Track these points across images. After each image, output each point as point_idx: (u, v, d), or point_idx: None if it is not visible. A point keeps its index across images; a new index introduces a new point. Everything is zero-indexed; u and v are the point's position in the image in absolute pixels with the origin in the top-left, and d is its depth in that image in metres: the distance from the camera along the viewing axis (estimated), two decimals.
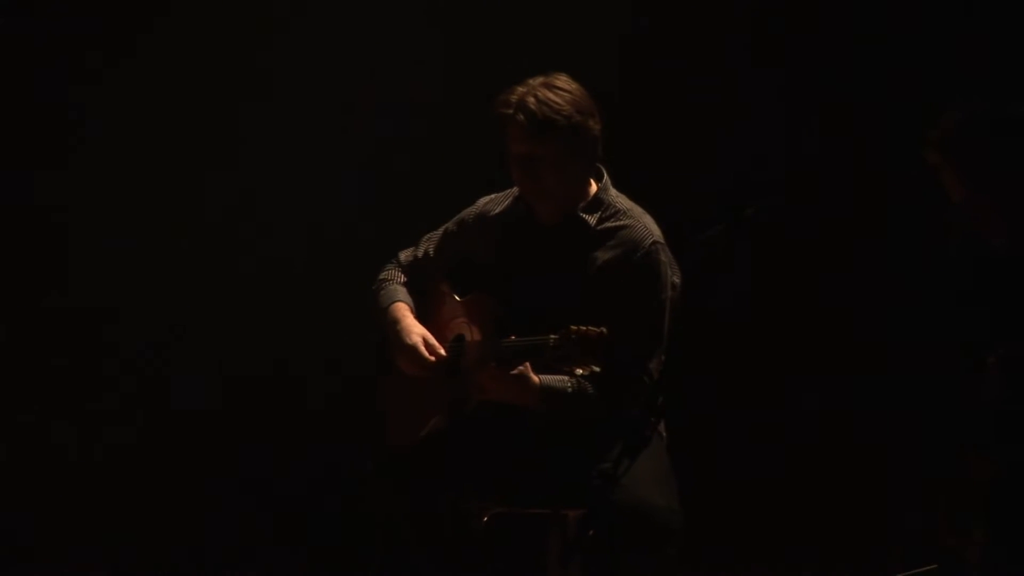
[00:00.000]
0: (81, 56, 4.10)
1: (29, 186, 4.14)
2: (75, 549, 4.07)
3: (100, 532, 4.11)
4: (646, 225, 2.90)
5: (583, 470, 2.73)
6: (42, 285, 4.17)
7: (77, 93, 4.11)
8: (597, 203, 2.91)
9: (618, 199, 2.94)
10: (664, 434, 2.92)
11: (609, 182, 2.96)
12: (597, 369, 2.62)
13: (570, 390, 2.76)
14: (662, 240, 2.89)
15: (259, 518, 4.15)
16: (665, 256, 2.87)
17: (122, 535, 4.10)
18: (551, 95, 2.81)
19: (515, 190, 2.98)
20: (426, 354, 2.89)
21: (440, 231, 3.09)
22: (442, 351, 2.90)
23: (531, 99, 2.81)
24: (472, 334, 2.90)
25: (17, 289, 4.13)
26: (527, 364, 2.72)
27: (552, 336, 2.62)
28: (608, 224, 2.90)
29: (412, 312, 3.00)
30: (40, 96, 4.11)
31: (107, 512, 4.13)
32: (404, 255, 3.11)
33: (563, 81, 2.86)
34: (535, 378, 2.75)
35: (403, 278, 3.07)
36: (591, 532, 2.53)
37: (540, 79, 2.85)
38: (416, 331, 2.93)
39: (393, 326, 2.97)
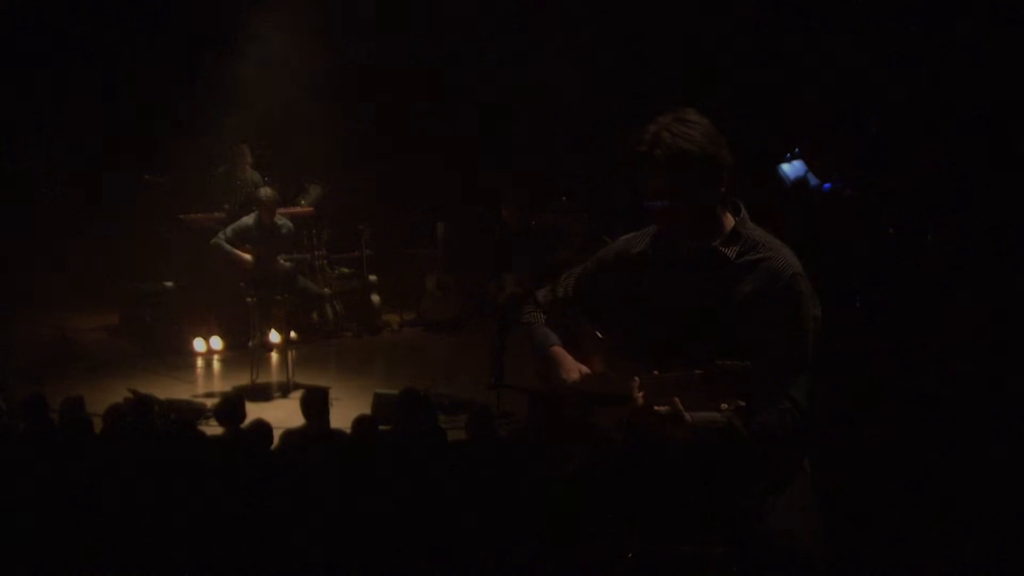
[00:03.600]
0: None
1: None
2: None
3: None
4: (786, 257, 2.87)
5: (727, 507, 2.72)
6: None
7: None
8: (736, 236, 2.90)
9: (756, 232, 2.92)
10: (808, 469, 2.89)
11: (747, 216, 2.94)
12: (743, 403, 2.61)
13: (720, 427, 2.73)
14: (802, 271, 2.85)
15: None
16: (805, 287, 2.84)
17: None
18: (684, 128, 2.82)
19: (652, 228, 2.97)
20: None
21: (579, 270, 3.11)
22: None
23: (665, 134, 2.81)
24: (616, 370, 2.92)
25: None
26: (677, 401, 2.71)
27: (697, 371, 2.61)
28: (748, 257, 2.87)
29: (567, 353, 3.02)
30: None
31: None
32: (542, 294, 3.14)
33: (693, 115, 2.86)
34: (687, 416, 2.72)
35: (544, 317, 3.11)
36: (735, 569, 2.52)
37: (670, 116, 2.86)
38: (574, 367, 2.98)
39: (555, 368, 3.00)
